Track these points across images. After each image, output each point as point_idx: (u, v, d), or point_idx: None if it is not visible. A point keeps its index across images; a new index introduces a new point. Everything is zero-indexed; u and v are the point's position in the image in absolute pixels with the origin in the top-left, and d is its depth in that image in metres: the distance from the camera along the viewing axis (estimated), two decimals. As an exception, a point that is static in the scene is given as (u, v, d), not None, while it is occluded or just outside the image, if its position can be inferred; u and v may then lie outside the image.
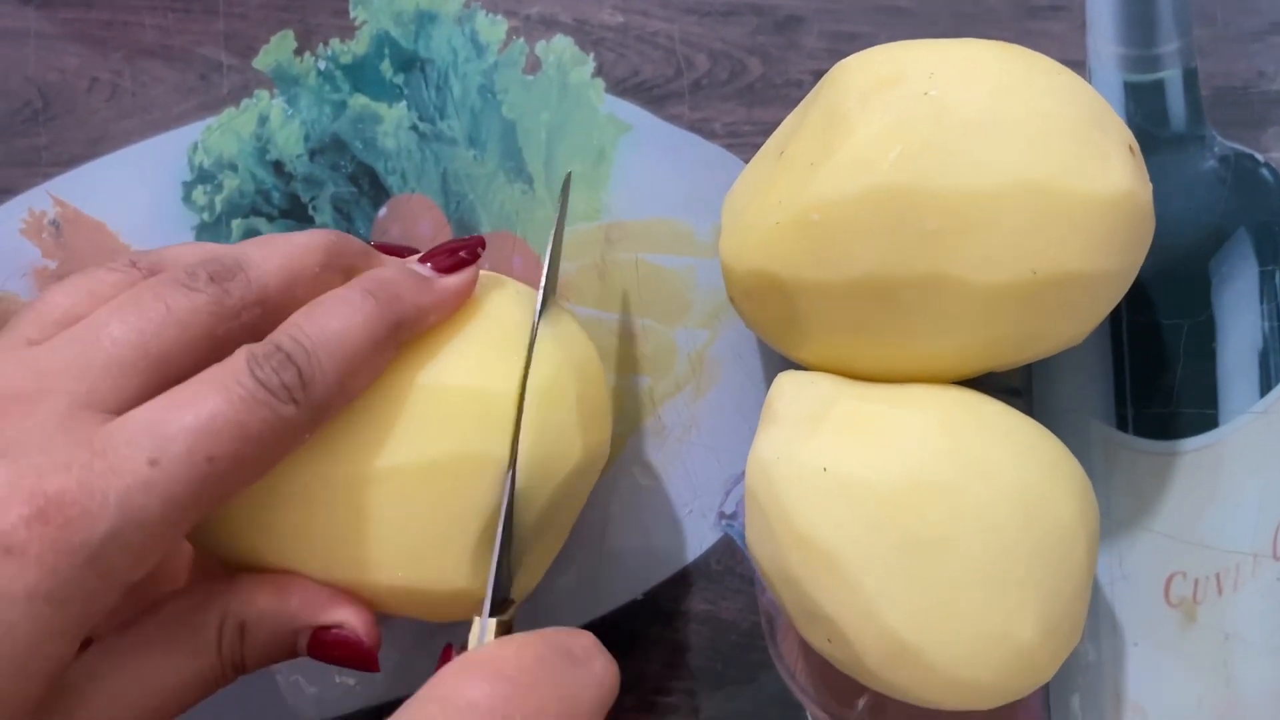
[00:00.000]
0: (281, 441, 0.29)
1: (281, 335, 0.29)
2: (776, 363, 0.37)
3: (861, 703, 0.37)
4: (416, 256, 0.33)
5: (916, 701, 0.32)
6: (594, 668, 0.29)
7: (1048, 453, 0.32)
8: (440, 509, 0.31)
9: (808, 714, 0.38)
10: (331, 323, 0.30)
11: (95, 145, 0.42)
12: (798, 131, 0.33)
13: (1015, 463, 0.31)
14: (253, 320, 0.30)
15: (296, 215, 0.41)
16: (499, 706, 0.27)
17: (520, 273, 0.40)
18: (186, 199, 0.42)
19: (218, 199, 0.42)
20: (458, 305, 0.32)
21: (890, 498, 0.31)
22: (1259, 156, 0.39)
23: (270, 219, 0.41)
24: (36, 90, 0.42)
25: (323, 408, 0.29)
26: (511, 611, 0.31)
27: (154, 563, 0.27)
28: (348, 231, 0.41)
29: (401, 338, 0.31)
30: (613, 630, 0.39)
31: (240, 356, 0.28)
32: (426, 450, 0.31)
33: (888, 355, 0.33)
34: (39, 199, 0.42)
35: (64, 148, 0.42)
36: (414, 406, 0.31)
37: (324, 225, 0.41)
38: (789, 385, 0.34)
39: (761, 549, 0.33)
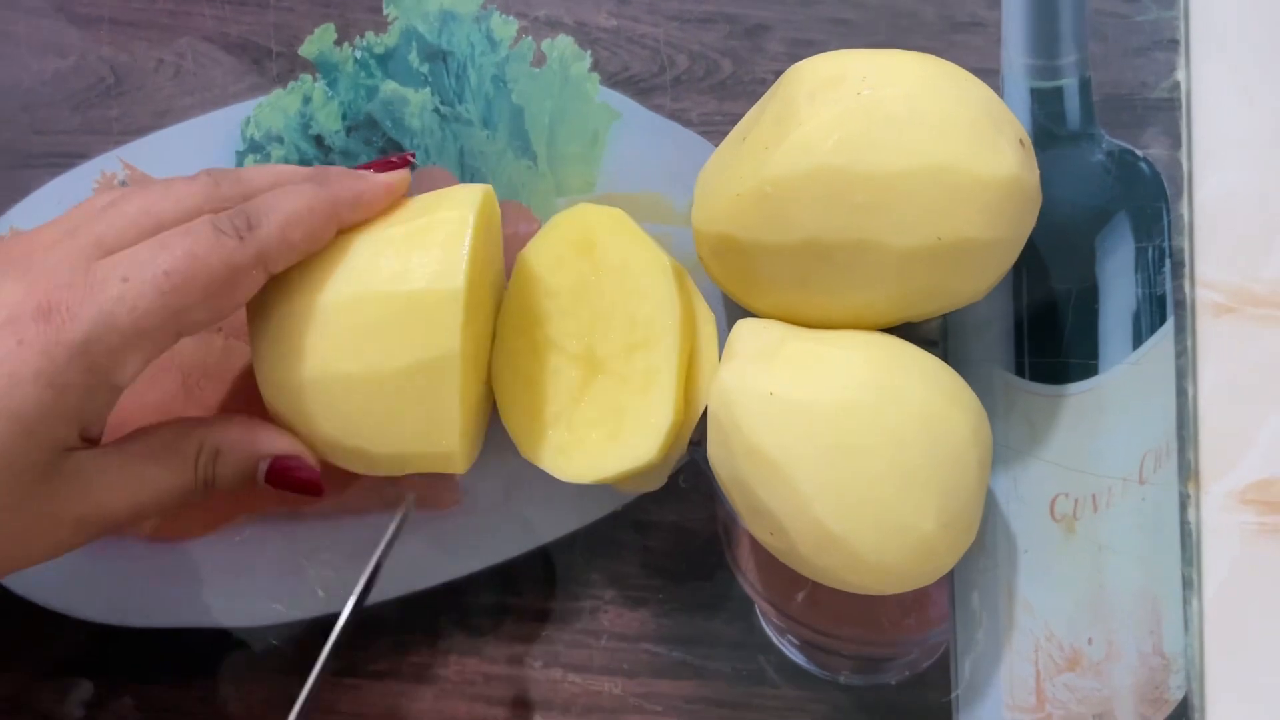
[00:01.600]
0: (227, 267, 0.34)
1: (240, 201, 0.36)
2: (736, 312, 0.41)
3: (800, 596, 0.42)
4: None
5: (839, 584, 0.37)
6: None
7: (949, 384, 0.37)
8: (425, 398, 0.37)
9: (756, 606, 0.43)
10: (282, 195, 0.36)
11: (160, 118, 0.46)
12: (758, 121, 0.38)
13: (922, 391, 0.36)
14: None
15: None
16: None
17: (524, 235, 0.44)
18: (239, 166, 0.45)
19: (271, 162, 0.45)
20: (389, 197, 0.39)
21: (823, 416, 0.35)
22: (1139, 152, 0.42)
23: None
24: (110, 68, 0.46)
25: (264, 248, 0.35)
26: None
27: (132, 367, 0.34)
28: None
29: (340, 212, 0.37)
30: (596, 537, 0.44)
31: (204, 215, 0.35)
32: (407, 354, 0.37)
33: (824, 304, 0.37)
34: (110, 163, 0.46)
35: (133, 119, 0.46)
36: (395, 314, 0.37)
37: None
38: (746, 329, 0.38)
39: (719, 459, 0.38)
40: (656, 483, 0.42)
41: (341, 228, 0.38)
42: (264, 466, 0.38)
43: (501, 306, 0.42)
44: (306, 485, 0.38)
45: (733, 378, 0.37)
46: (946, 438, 0.36)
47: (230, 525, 0.45)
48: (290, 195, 0.37)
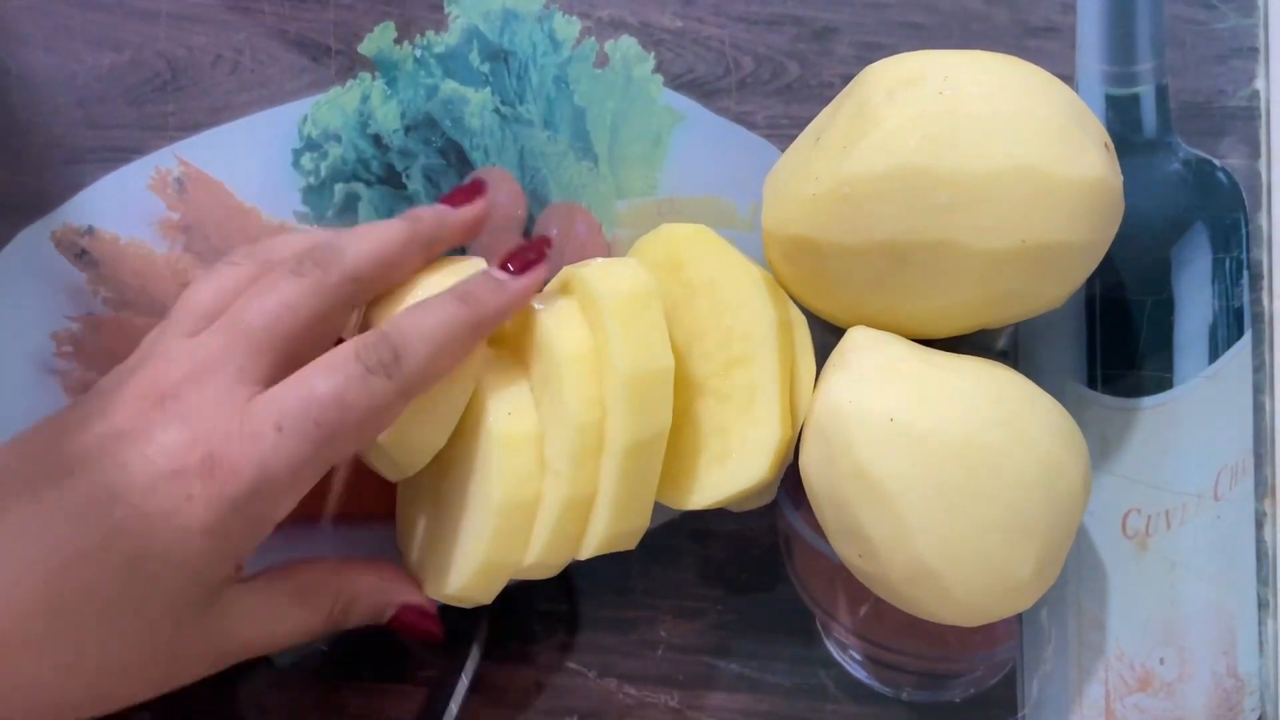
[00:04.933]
0: (376, 408, 0.35)
1: (385, 325, 0.36)
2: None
3: (863, 610, 0.42)
4: (498, 261, 0.39)
5: (922, 614, 0.36)
6: None
7: (1068, 431, 0.36)
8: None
9: (817, 619, 0.42)
10: (425, 319, 0.36)
11: (216, 114, 0.45)
12: (833, 121, 0.37)
13: (1046, 437, 0.35)
14: (350, 294, 0.37)
15: (392, 182, 0.45)
16: None
17: (584, 237, 0.44)
18: (295, 164, 0.45)
19: (323, 165, 0.45)
20: (528, 299, 0.39)
21: (944, 451, 0.34)
22: (1216, 161, 0.42)
23: (368, 184, 0.45)
24: (166, 63, 0.45)
25: (410, 383, 0.36)
26: None
27: (287, 508, 0.35)
28: (436, 194, 0.45)
29: (482, 333, 0.37)
30: (654, 545, 0.43)
31: (349, 344, 0.35)
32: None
33: (900, 309, 0.37)
34: (165, 159, 0.45)
35: (189, 115, 0.45)
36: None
37: (415, 192, 0.45)
38: (862, 339, 0.37)
39: (817, 473, 0.36)
40: (767, 498, 0.41)
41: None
42: (390, 614, 0.40)
43: None
44: (427, 635, 0.40)
45: (847, 393, 0.36)
46: (1061, 488, 0.35)
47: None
48: (433, 319, 0.36)
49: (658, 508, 0.42)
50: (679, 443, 0.39)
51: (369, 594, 0.39)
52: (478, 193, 0.41)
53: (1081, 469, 0.36)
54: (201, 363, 0.35)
